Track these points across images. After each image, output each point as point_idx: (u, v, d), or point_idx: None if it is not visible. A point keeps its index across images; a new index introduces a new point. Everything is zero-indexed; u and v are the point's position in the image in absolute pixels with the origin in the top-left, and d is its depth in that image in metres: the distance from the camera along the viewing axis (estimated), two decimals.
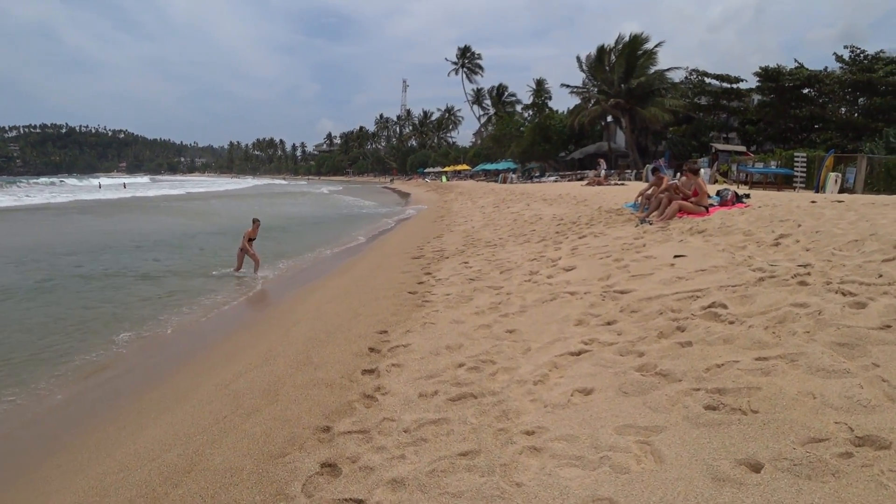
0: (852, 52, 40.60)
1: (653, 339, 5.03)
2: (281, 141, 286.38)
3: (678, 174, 42.56)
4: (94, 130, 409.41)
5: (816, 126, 46.90)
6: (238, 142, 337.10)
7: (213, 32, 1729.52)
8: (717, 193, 13.58)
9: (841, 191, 22.71)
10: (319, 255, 17.84)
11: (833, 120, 45.32)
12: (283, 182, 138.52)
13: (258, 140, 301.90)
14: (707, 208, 12.04)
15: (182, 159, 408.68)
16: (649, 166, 40.90)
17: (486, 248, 12.98)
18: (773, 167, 34.43)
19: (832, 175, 23.07)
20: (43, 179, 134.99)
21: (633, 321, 5.66)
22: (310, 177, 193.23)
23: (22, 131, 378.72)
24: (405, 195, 64.42)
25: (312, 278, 13.33)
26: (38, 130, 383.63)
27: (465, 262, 11.27)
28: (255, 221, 14.92)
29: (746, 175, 34.19)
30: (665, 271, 7.36)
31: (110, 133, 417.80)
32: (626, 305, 6.20)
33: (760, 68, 45.85)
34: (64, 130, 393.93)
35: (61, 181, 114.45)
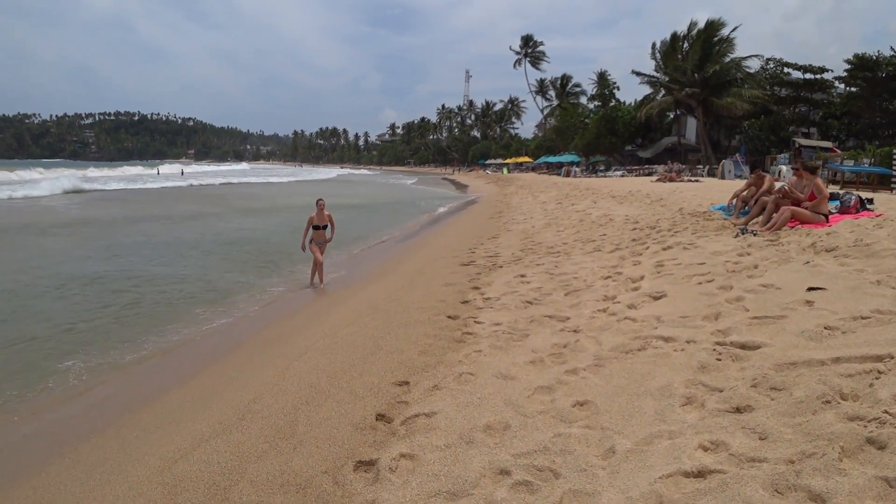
0: None
1: (830, 462, 2.94)
2: (344, 130, 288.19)
3: (752, 171, 39.77)
4: (164, 118, 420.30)
5: None
6: (302, 130, 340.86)
7: (280, 23, 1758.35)
8: (835, 197, 11.16)
9: None
10: (362, 251, 16.06)
11: None
12: (366, 172, 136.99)
13: (322, 129, 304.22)
14: (827, 216, 9.71)
15: (248, 147, 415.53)
16: (726, 161, 37.95)
17: (548, 257, 10.91)
18: (865, 165, 31.27)
19: None
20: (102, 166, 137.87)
21: (782, 412, 3.55)
22: (371, 166, 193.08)
23: (97, 118, 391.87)
24: (463, 187, 62.52)
25: (343, 284, 11.50)
26: (111, 118, 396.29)
27: (522, 276, 9.22)
28: (319, 202, 12.45)
29: (836, 174, 31.08)
30: (802, 314, 5.17)
31: (179, 121, 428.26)
32: (759, 375, 4.08)
33: (854, 56, 42.21)
34: (136, 118, 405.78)
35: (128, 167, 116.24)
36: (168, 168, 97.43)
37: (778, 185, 11.59)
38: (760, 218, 10.41)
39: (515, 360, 5.34)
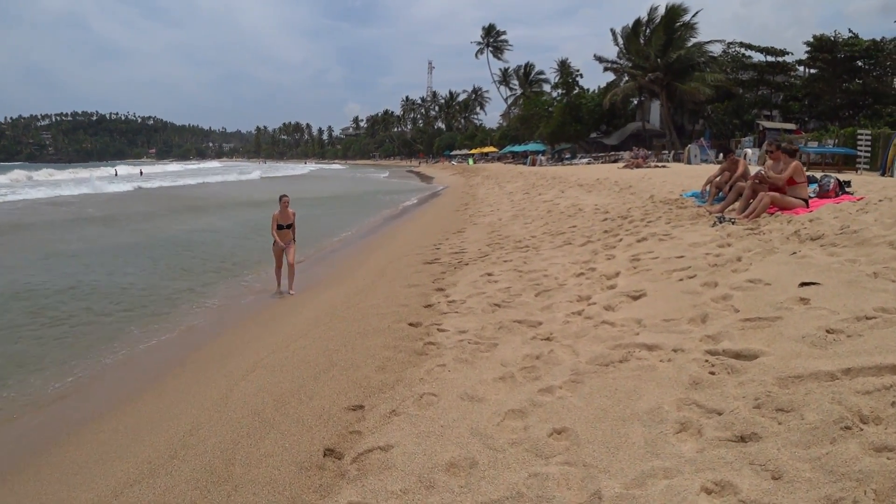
0: None
1: None
2: (308, 125, 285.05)
3: (720, 155, 39.70)
4: (123, 117, 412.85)
5: (867, 102, 43.43)
6: (265, 126, 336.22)
7: (239, 17, 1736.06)
8: (812, 181, 10.72)
9: None
10: (323, 251, 15.35)
11: (893, 94, 41.84)
12: (339, 166, 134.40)
13: (285, 124, 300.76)
14: (807, 201, 9.26)
15: (210, 144, 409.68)
16: (691, 146, 37.79)
17: (516, 252, 10.34)
18: (829, 146, 31.29)
19: None
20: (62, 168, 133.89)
21: (794, 441, 3.00)
22: (336, 160, 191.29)
23: (54, 119, 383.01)
24: (428, 179, 61.83)
25: (301, 287, 10.81)
26: (69, 118, 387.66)
27: (489, 274, 8.64)
28: (283, 199, 11.08)
29: (800, 155, 31.01)
30: (798, 314, 4.65)
31: (139, 120, 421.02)
32: (761, 393, 3.53)
33: (814, 37, 42.46)
34: (94, 118, 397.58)
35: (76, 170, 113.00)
36: (126, 169, 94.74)
37: (753, 170, 11.15)
38: (737, 205, 9.96)
39: (483, 375, 4.76)
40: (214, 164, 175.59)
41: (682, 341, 4.61)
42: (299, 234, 11.32)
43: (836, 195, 9.93)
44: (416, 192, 39.68)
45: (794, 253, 6.42)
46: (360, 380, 5.17)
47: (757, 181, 9.67)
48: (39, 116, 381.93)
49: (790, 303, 4.89)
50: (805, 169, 25.70)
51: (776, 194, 9.13)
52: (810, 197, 9.65)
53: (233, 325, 8.75)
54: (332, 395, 4.95)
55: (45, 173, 72.79)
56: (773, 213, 9.03)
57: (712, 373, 3.99)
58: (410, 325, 6.67)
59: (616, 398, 3.92)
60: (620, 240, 9.36)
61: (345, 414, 4.57)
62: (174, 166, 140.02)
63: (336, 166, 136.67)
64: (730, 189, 10.83)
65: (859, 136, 28.17)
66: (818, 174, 11.61)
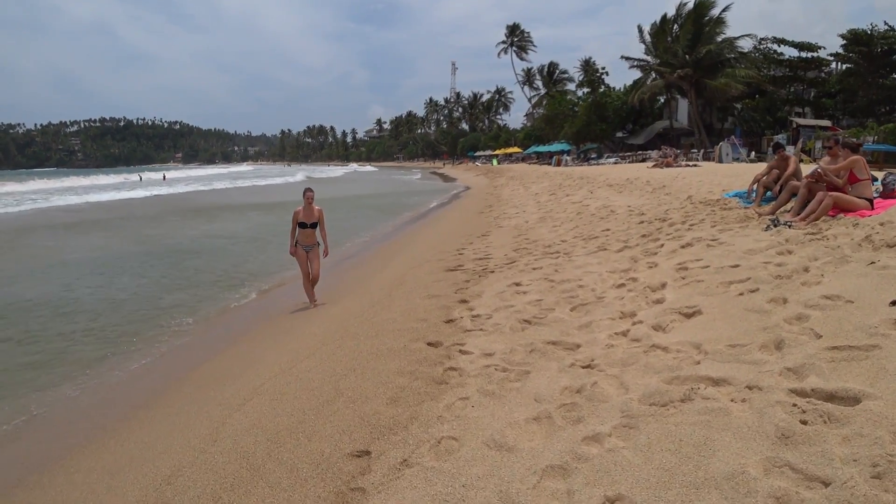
0: None
1: None
2: (332, 128, 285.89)
3: (751, 153, 38.48)
4: (150, 123, 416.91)
5: None
6: (289, 130, 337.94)
7: (263, 22, 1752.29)
8: (873, 179, 9.77)
9: None
10: (340, 256, 14.64)
11: None
12: (371, 168, 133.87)
13: (309, 127, 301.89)
14: (871, 202, 8.32)
15: (235, 148, 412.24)
16: (723, 144, 36.59)
17: (546, 258, 9.51)
18: (869, 143, 29.98)
19: None
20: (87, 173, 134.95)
21: None
22: (361, 162, 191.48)
23: (82, 126, 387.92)
24: (450, 180, 61.05)
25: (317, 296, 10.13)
26: (97, 124, 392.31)
27: (517, 284, 7.82)
28: (307, 193, 9.72)
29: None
30: None
31: (166, 125, 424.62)
32: (878, 456, 2.69)
33: (849, 31, 40.90)
34: (122, 123, 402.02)
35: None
36: (151, 174, 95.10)
37: (810, 167, 10.23)
38: (791, 206, 9.04)
39: (513, 414, 3.97)
40: (244, 167, 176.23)
41: (757, 376, 3.77)
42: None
43: None
44: (439, 194, 38.93)
45: (873, 263, 5.52)
46: (369, 415, 4.40)
47: (813, 180, 8.75)
48: (68, 123, 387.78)
49: (886, 327, 4.02)
50: None
51: (839, 194, 8.19)
52: (873, 197, 8.70)
53: (237, 342, 8.03)
54: (334, 435, 4.19)
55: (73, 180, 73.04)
56: (834, 216, 8.10)
57: (804, 422, 3.16)
58: (429, 344, 5.88)
59: (683, 454, 3.10)
60: (662, 245, 8.49)
61: (347, 462, 3.80)
62: (202, 170, 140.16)
63: (369, 168, 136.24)
64: (780, 189, 9.92)
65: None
66: (877, 173, 10.61)
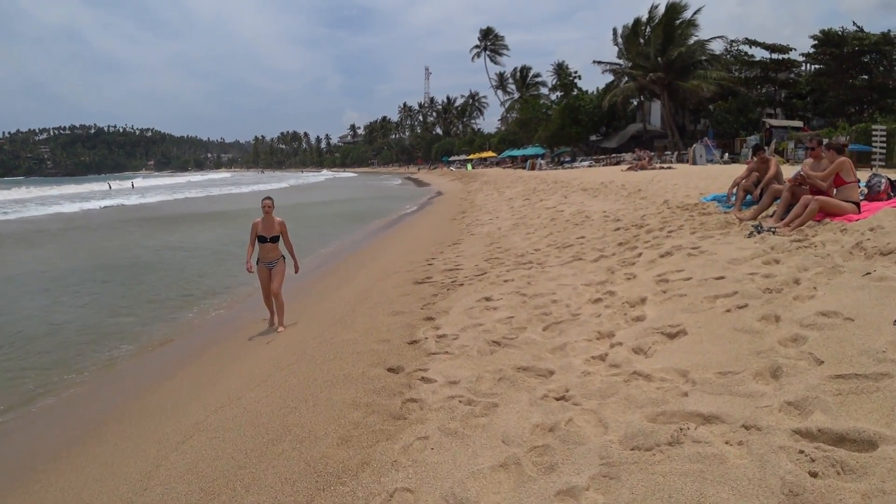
0: None
1: None
2: (305, 134, 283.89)
3: (725, 154, 38.46)
4: (122, 130, 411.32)
5: (873, 97, 42.12)
6: (263, 136, 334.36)
7: (237, 28, 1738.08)
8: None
9: None
10: (305, 265, 14.06)
11: None
12: (351, 174, 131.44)
13: (283, 133, 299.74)
14: (858, 205, 7.92)
15: (209, 155, 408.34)
16: (696, 146, 36.49)
17: (518, 269, 9.02)
18: None
19: None
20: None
21: None
22: (335, 168, 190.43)
23: (52, 133, 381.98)
24: (424, 185, 60.53)
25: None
26: (67, 132, 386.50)
27: (487, 299, 7.31)
28: (265, 202, 8.66)
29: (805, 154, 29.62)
30: None
31: (138, 132, 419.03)
32: None
33: (821, 31, 41.15)
34: (93, 131, 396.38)
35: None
36: (121, 183, 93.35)
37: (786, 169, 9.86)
38: (774, 210, 8.64)
39: (477, 460, 3.46)
40: (219, 175, 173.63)
41: (754, 412, 3.30)
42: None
43: (889, 197, 8.59)
44: (412, 200, 38.40)
45: (869, 273, 5.09)
46: (316, 459, 3.87)
47: (797, 184, 8.36)
48: (37, 130, 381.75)
49: (894, 351, 3.56)
50: None
51: (825, 198, 7.78)
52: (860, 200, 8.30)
53: (186, 367, 7.43)
54: (275, 485, 3.66)
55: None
56: (819, 221, 7.69)
57: (814, 473, 2.68)
58: (390, 370, 5.36)
59: None
60: (640, 254, 8.03)
61: None
62: (175, 178, 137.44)
63: (348, 174, 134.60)
64: (760, 193, 9.54)
65: (874, 132, 26.87)
66: (860, 174, 10.21)
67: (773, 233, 7.56)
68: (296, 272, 9.18)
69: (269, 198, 8.80)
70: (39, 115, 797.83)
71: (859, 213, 7.73)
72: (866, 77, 42.75)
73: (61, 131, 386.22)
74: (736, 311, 4.95)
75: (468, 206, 25.06)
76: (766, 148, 11.99)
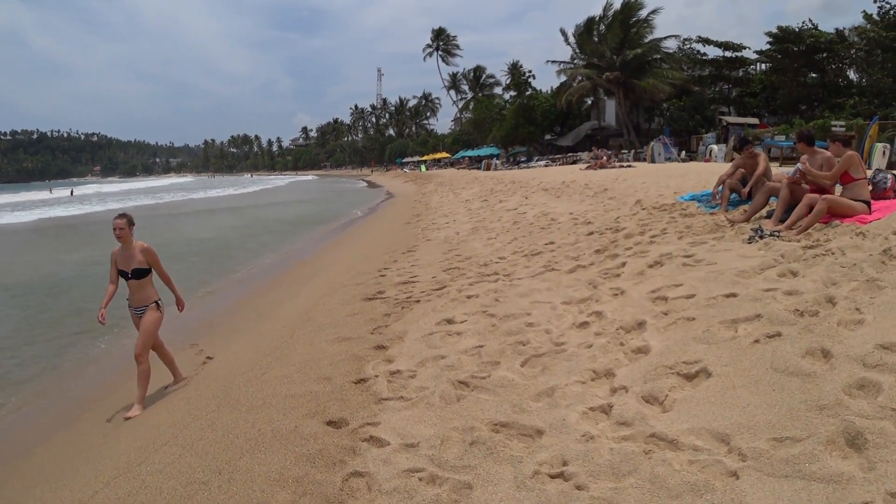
0: (881, 8, 34.95)
1: None
2: (256, 137, 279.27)
3: (682, 152, 38.04)
4: (66, 135, 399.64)
5: (822, 95, 42.29)
6: (213, 139, 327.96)
7: (185, 31, 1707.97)
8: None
9: (889, 165, 17.82)
10: (241, 278, 12.72)
11: (857, 85, 40.73)
12: (313, 177, 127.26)
13: (233, 137, 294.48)
14: (869, 204, 7.01)
15: (157, 160, 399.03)
16: (655, 144, 35.96)
17: (483, 281, 7.90)
18: (792, 140, 29.58)
19: (879, 146, 18.08)
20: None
21: None
22: (287, 172, 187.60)
23: None
24: (377, 187, 59.19)
25: (196, 336, 8.31)
26: (8, 138, 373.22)
27: (449, 321, 6.19)
28: (116, 222, 6.32)
29: (769, 150, 29.22)
30: None
31: (83, 137, 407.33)
32: None
33: (778, 28, 41.21)
34: (35, 136, 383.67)
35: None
36: (62, 190, 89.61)
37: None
38: (768, 211, 7.70)
39: None
40: (186, 178, 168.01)
41: None
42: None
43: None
44: (362, 203, 37.07)
45: None
46: None
47: (797, 182, 7.43)
48: None
49: None
50: (779, 164, 23.85)
51: (833, 197, 6.82)
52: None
53: (78, 420, 6.14)
54: None
55: None
56: (827, 223, 6.75)
57: None
58: (330, 423, 4.20)
59: None
60: (623, 264, 6.96)
61: None
62: (122, 185, 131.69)
63: (310, 177, 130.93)
64: (750, 191, 8.62)
65: (834, 127, 26.61)
66: (873, 170, 9.34)
67: (778, 237, 6.58)
68: (180, 310, 6.94)
69: (121, 216, 6.39)
70: None
71: (870, 212, 6.82)
72: (816, 75, 42.97)
73: (2, 137, 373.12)
74: (767, 341, 3.90)
75: (423, 208, 23.92)
76: (755, 143, 10.87)
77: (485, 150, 71.11)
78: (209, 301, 11.27)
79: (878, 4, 34.71)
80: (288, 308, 8.89)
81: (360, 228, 21.57)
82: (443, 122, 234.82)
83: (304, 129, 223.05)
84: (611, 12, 49.91)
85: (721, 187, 9.36)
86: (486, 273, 8.40)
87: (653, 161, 34.39)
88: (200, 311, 10.50)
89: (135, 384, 6.12)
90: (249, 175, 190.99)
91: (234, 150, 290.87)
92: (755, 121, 40.18)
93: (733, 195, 9.16)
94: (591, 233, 9.79)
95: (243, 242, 19.61)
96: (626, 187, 15.62)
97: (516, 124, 62.06)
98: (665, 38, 48.70)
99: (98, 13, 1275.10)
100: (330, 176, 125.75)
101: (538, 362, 4.59)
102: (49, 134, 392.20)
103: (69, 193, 78.31)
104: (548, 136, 64.77)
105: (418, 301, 7.48)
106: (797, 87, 42.82)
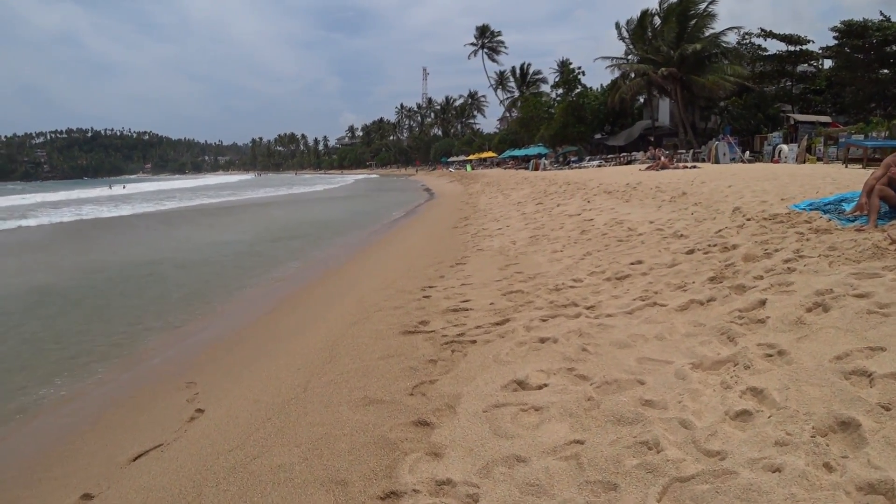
0: None
1: None
2: (303, 135, 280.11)
3: (746, 152, 35.41)
4: (118, 133, 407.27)
5: (893, 92, 39.19)
6: (260, 138, 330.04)
7: (233, 31, 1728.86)
8: None
9: None
10: (252, 294, 10.99)
11: None
12: (375, 175, 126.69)
13: (280, 135, 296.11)
14: None
15: (206, 158, 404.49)
16: (718, 144, 33.52)
17: (558, 314, 6.01)
18: (878, 140, 26.92)
19: None
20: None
21: None
22: (332, 170, 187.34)
23: (49, 137, 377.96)
24: (424, 188, 57.48)
25: (176, 376, 6.57)
26: (64, 135, 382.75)
27: (520, 384, 4.34)
28: None
29: (848, 149, 26.57)
30: None
31: (135, 135, 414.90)
32: None
33: (842, 23, 38.35)
34: (90, 134, 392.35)
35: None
36: (117, 187, 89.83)
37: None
38: None
39: None
40: (246, 176, 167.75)
41: None
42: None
43: None
44: (405, 204, 35.31)
45: None
46: None
47: None
48: (34, 134, 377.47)
49: None
50: (863, 165, 21.34)
51: None
52: None
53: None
54: None
55: None
56: None
57: None
58: None
59: None
60: (762, 303, 4.92)
61: None
62: (172, 182, 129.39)
63: (374, 175, 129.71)
64: None
65: None
66: None
67: None
68: None
69: None
70: (36, 118, 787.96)
71: None
72: (887, 71, 39.93)
73: (58, 135, 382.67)
74: None
75: (471, 210, 22.06)
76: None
77: (532, 150, 68.98)
78: (221, 318, 9.61)
79: None
80: (307, 340, 7.11)
81: (403, 231, 19.79)
82: (489, 122, 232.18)
83: (351, 128, 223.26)
84: (666, 5, 47.43)
85: (869, 195, 7.24)
86: (560, 303, 6.49)
87: (717, 161, 32.00)
88: (213, 330, 8.88)
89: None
90: (294, 174, 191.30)
91: (281, 148, 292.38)
92: (827, 119, 37.34)
93: (883, 206, 7.08)
94: (692, 250, 7.76)
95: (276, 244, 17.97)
96: (709, 191, 13.46)
97: (565, 123, 59.89)
98: (724, 30, 46.01)
99: (149, 14, 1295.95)
100: (391, 175, 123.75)
101: (686, 494, 2.71)
102: (103, 132, 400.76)
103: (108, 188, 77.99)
104: (598, 136, 62.45)
105: (473, 342, 5.63)
106: (867, 84, 39.84)
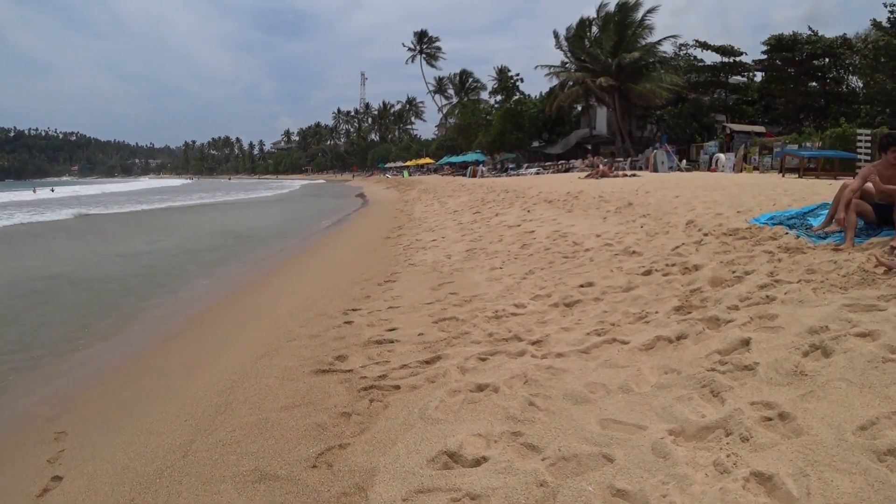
0: (892, 12, 32.66)
1: None
2: (238, 139, 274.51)
3: (683, 161, 35.51)
4: (43, 133, 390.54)
5: (819, 104, 40.18)
6: (194, 141, 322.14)
7: (168, 31, 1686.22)
8: None
9: None
10: (161, 316, 9.71)
11: (860, 93, 38.62)
12: (322, 181, 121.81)
13: (214, 139, 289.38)
14: None
15: (137, 161, 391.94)
16: (657, 152, 33.43)
17: (499, 352, 5.08)
18: (812, 149, 27.17)
19: None
20: None
21: None
22: (267, 175, 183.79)
23: None
24: (357, 193, 56.22)
25: (83, 411, 5.38)
26: None
27: (451, 455, 3.34)
28: None
29: (779, 162, 26.72)
30: None
31: (61, 136, 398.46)
32: None
33: (771, 37, 39.16)
34: (12, 134, 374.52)
35: None
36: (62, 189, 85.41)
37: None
38: None
39: None
40: (184, 180, 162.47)
41: None
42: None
43: None
44: (337, 211, 34.01)
45: None
46: None
47: None
48: None
49: None
50: (798, 175, 21.26)
51: None
52: None
53: None
54: None
55: None
56: None
57: None
58: None
59: None
60: (745, 343, 4.04)
61: None
62: (97, 187, 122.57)
63: (320, 181, 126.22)
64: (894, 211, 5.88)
65: (859, 137, 24.24)
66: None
67: None
68: None
69: None
70: None
71: None
72: (815, 84, 41.01)
73: None
74: None
75: (405, 219, 21.06)
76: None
77: (470, 157, 68.65)
78: (118, 345, 8.33)
79: (890, 9, 32.47)
80: (207, 375, 5.98)
81: (331, 240, 18.61)
82: (427, 128, 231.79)
83: (287, 133, 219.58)
84: (604, 13, 47.58)
85: (844, 210, 6.50)
86: (500, 335, 5.53)
87: (655, 170, 31.89)
88: (105, 358, 7.64)
89: None
90: (228, 178, 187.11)
91: (215, 152, 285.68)
92: (761, 129, 37.86)
93: (860, 221, 6.38)
94: (648, 271, 6.90)
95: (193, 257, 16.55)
96: (657, 202, 12.77)
97: (503, 130, 59.69)
98: (662, 39, 46.45)
99: (80, 11, 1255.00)
100: (333, 182, 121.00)
101: None
102: (26, 132, 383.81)
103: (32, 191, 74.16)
104: (535, 143, 62.48)
105: (397, 387, 4.64)
106: (797, 96, 40.75)
